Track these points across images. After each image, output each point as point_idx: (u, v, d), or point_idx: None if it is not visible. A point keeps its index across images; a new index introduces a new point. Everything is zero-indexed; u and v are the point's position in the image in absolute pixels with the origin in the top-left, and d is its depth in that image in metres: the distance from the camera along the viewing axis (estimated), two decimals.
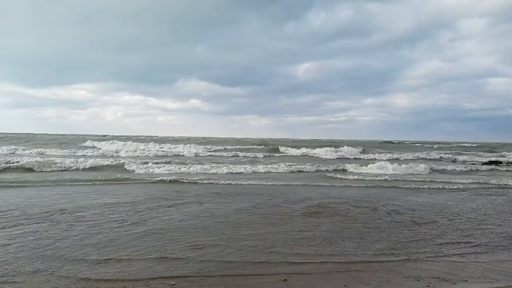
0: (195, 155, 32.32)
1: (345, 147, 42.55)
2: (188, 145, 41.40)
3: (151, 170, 18.99)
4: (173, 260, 5.81)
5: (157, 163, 21.92)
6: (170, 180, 15.29)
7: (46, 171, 17.88)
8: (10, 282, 4.79)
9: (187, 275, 5.21)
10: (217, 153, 34.93)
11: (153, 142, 42.54)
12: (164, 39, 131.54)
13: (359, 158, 33.99)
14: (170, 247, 6.44)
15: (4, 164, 18.38)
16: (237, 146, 41.37)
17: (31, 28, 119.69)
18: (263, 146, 42.29)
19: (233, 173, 18.88)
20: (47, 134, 68.16)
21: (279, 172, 20.35)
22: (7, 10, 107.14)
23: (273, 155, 35.18)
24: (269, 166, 21.99)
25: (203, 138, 67.19)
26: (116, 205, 9.95)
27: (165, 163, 22.29)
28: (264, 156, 33.11)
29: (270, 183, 15.47)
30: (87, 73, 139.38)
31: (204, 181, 15.44)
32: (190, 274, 5.27)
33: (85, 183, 14.13)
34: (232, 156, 33.11)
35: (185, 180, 15.41)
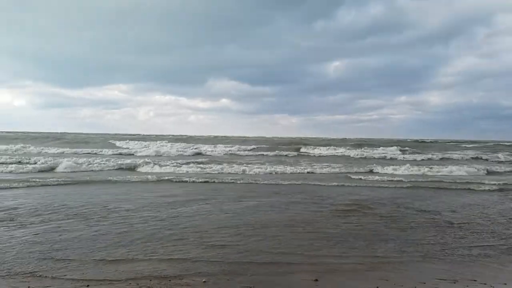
0: (224, 154, 32.39)
1: (380, 148, 39.77)
2: (218, 144, 41.36)
3: (185, 170, 19.27)
4: (205, 258, 5.90)
5: (188, 162, 22.20)
6: (207, 181, 15.50)
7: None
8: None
9: (218, 273, 5.26)
10: (247, 153, 34.73)
11: (182, 143, 42.38)
12: (195, 40, 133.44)
13: (401, 159, 31.75)
14: (203, 245, 6.54)
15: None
16: (266, 146, 40.83)
17: (68, 31, 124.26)
18: (292, 145, 41.50)
19: (267, 173, 18.83)
20: (83, 133, 70.46)
21: (312, 172, 20.11)
22: (45, 13, 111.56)
23: (304, 154, 34.69)
24: (300, 166, 21.87)
25: (232, 137, 67.13)
26: (166, 203, 10.17)
27: (199, 163, 22.55)
28: (297, 155, 32.79)
29: (302, 183, 15.39)
30: (121, 74, 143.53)
31: (240, 181, 15.52)
32: (221, 272, 5.32)
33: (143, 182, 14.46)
34: (261, 155, 32.77)
35: (216, 180, 15.56)
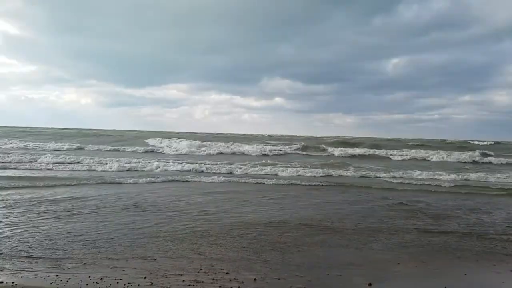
0: (260, 155, 29.40)
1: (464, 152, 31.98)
2: (253, 143, 37.92)
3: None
4: (257, 257, 5.90)
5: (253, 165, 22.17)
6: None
7: None
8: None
9: (269, 273, 5.23)
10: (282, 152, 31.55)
11: (227, 142, 39.95)
12: (249, 39, 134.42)
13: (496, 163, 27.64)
14: (256, 244, 6.55)
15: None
16: (318, 145, 38.98)
17: (131, 32, 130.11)
18: (340, 148, 38.36)
19: (317, 176, 18.44)
20: (144, 131, 73.50)
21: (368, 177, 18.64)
22: (110, 15, 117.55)
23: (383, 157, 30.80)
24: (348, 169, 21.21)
25: (283, 136, 66.34)
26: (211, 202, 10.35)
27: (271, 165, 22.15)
28: (368, 157, 30.03)
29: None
30: (179, 74, 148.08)
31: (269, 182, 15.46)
32: (272, 272, 5.29)
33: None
34: (306, 155, 31.21)
35: (242, 181, 15.58)
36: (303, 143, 35.97)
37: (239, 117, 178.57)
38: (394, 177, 17.61)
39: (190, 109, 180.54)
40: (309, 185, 14.41)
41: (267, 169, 18.39)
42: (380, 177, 17.51)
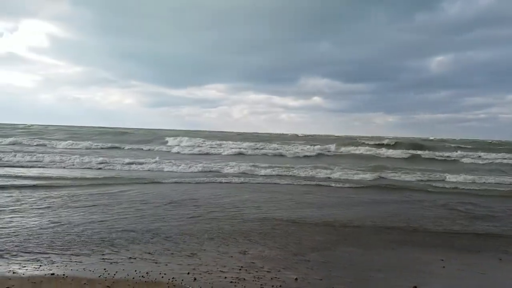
0: (312, 155, 28.75)
1: None
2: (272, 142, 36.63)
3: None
4: (298, 257, 5.90)
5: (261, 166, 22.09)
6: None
7: None
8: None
9: (311, 273, 5.22)
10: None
11: (258, 142, 38.37)
12: (288, 37, 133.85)
13: None
14: (297, 244, 6.56)
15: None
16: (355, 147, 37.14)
17: (172, 33, 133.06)
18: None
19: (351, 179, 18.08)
20: (183, 130, 74.81)
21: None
22: (152, 16, 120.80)
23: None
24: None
25: (313, 135, 64.62)
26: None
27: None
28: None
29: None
30: (218, 74, 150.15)
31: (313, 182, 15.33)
32: (314, 272, 5.27)
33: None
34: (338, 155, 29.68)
35: (284, 182, 15.49)
36: (336, 144, 35.28)
37: (276, 116, 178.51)
38: (445, 180, 16.82)
39: (228, 109, 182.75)
40: (360, 187, 14.24)
41: (316, 172, 18.10)
42: (431, 180, 16.84)
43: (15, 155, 19.08)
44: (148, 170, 16.75)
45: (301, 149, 30.71)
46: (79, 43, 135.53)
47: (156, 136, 41.56)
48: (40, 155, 19.53)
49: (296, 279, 4.94)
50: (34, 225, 6.98)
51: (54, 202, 9.15)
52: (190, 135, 40.62)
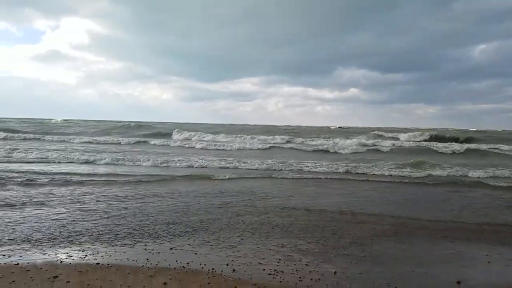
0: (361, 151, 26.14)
1: None
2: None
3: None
4: (337, 250, 5.86)
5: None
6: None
7: None
8: None
9: (350, 267, 5.17)
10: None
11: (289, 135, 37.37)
12: (323, 29, 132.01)
13: None
14: (336, 237, 6.51)
15: None
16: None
17: (206, 28, 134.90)
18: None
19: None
20: (219, 123, 75.73)
21: None
22: (187, 12, 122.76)
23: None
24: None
25: (348, 127, 62.84)
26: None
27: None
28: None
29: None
30: (253, 68, 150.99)
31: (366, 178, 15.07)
32: (353, 266, 5.21)
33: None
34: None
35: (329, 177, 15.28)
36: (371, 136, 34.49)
37: (312, 109, 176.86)
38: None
39: (263, 102, 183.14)
40: (417, 182, 13.93)
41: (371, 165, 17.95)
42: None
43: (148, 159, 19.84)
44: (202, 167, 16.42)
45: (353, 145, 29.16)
46: (118, 39, 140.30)
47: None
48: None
49: (335, 272, 4.90)
50: (83, 217, 7.29)
51: (105, 196, 9.51)
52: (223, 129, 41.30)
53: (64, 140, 28.99)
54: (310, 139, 34.17)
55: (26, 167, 14.44)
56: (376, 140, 33.37)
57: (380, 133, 40.26)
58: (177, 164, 16.56)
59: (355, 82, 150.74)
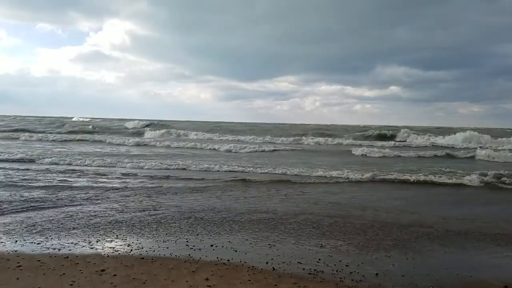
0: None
1: None
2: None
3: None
4: (378, 252, 5.78)
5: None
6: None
7: None
8: None
9: (393, 269, 5.08)
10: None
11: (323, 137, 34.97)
12: (362, 24, 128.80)
13: None
14: (378, 239, 6.42)
15: None
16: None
17: (242, 26, 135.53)
18: None
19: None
20: (256, 123, 76.01)
21: None
22: (224, 11, 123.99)
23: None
24: None
25: (387, 126, 59.76)
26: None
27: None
28: None
29: None
30: (289, 66, 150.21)
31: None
32: (397, 268, 5.13)
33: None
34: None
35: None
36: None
37: (350, 107, 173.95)
38: None
39: (300, 100, 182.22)
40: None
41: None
42: None
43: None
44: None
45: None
46: (157, 40, 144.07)
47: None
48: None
49: (376, 274, 4.83)
50: (127, 214, 7.56)
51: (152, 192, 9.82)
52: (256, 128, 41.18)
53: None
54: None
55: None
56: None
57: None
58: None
59: (395, 80, 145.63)
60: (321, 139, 31.82)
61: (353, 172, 13.41)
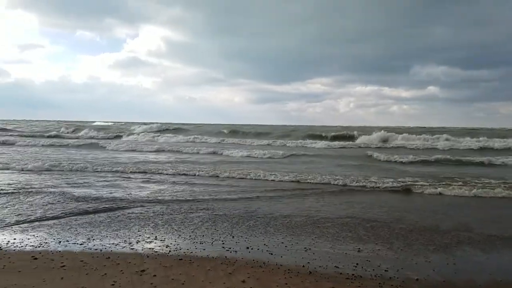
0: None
1: None
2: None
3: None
4: (418, 256, 5.63)
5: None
6: None
7: None
8: None
9: (434, 275, 4.93)
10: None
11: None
12: (398, 24, 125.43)
13: None
14: (418, 244, 6.25)
15: None
16: None
17: (275, 29, 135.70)
18: None
19: None
20: (289, 125, 75.61)
21: None
22: (257, 13, 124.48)
23: None
24: None
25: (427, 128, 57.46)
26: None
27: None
28: None
29: None
30: (323, 68, 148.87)
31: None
32: (437, 273, 4.97)
33: None
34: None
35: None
36: None
37: (386, 109, 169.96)
38: None
39: (334, 102, 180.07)
40: None
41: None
42: None
43: None
44: None
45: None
46: (191, 45, 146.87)
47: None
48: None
49: (417, 279, 4.71)
50: (165, 215, 7.71)
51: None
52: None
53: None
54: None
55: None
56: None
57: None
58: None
59: (434, 80, 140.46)
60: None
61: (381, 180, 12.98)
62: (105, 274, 4.65)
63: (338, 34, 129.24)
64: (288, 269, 4.93)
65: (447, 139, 29.30)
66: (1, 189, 9.99)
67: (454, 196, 10.38)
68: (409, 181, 12.37)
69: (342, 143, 30.81)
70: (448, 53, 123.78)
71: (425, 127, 56.67)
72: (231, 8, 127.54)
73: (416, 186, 11.56)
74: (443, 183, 11.84)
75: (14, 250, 5.51)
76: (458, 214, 8.43)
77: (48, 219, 7.26)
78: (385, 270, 4.99)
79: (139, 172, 13.95)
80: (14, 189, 10.02)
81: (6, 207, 8.08)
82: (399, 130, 36.51)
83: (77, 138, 36.88)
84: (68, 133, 43.00)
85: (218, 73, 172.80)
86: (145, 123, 53.22)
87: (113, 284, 4.35)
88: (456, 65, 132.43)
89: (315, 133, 39.02)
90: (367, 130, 38.09)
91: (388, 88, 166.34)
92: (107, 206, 8.40)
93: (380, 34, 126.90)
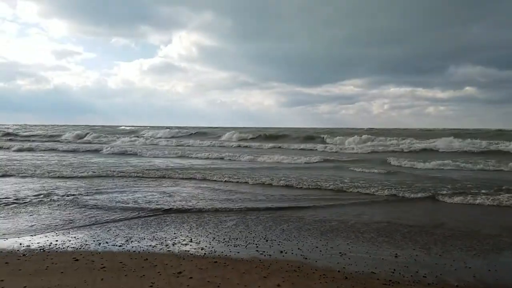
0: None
1: None
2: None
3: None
4: (457, 262, 5.46)
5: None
6: None
7: None
8: None
9: (474, 281, 4.78)
10: None
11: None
12: (432, 23, 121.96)
13: None
14: (457, 250, 6.07)
15: None
16: None
17: (305, 31, 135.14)
18: None
19: None
20: (320, 128, 74.81)
21: None
22: (287, 17, 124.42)
23: None
24: None
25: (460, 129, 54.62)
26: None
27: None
28: None
29: None
30: (355, 69, 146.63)
31: None
32: (477, 280, 4.81)
33: None
34: None
35: None
36: None
37: (422, 110, 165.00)
38: None
39: (367, 104, 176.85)
40: None
41: None
42: None
43: None
44: None
45: None
46: (222, 49, 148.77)
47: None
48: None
49: (456, 286, 4.57)
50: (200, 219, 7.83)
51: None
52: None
53: None
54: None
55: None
56: None
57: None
58: None
59: (471, 80, 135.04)
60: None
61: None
62: (143, 275, 4.75)
63: (370, 35, 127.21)
64: (324, 274, 4.89)
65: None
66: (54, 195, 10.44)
67: (497, 206, 9.94)
68: (445, 188, 12.02)
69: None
70: (485, 52, 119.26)
71: (466, 129, 54.38)
72: (262, 13, 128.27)
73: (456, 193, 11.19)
74: (484, 191, 11.41)
75: (56, 251, 5.73)
76: (500, 220, 8.10)
77: (116, 220, 7.54)
78: (424, 276, 4.87)
79: (184, 178, 14.23)
80: (63, 195, 10.45)
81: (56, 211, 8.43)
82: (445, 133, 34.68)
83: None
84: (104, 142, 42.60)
85: (249, 77, 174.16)
86: (170, 127, 53.85)
87: (151, 286, 4.44)
88: (494, 65, 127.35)
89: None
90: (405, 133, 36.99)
91: (423, 89, 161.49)
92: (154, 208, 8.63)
93: (414, 34, 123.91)
